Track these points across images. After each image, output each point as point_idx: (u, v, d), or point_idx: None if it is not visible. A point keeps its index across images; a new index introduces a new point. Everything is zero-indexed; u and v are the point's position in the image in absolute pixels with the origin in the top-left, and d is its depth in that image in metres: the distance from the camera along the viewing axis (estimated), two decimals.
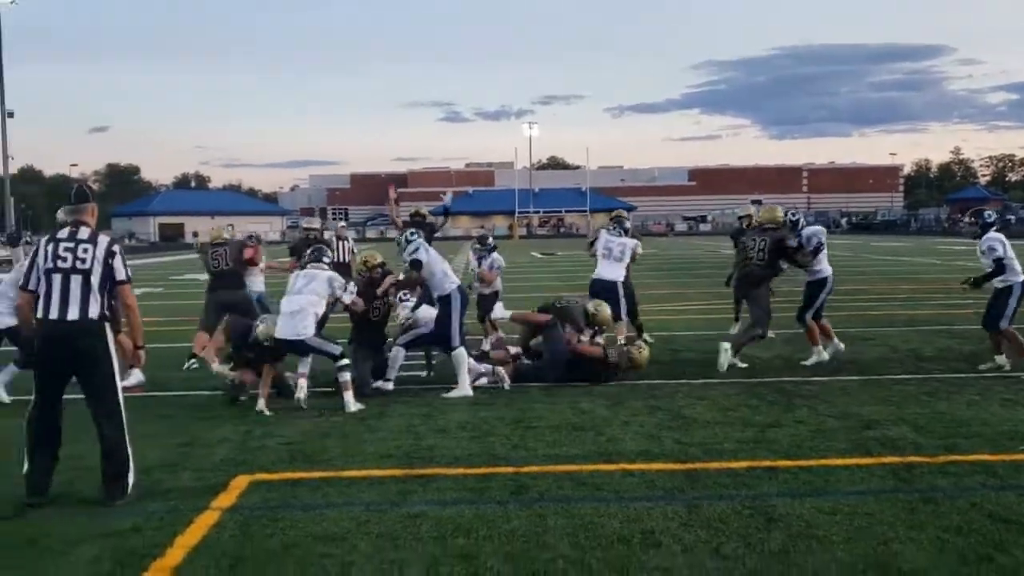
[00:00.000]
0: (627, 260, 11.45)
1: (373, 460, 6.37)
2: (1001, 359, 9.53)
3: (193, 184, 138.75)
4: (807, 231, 10.44)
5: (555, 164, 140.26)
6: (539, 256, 42.55)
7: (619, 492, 5.53)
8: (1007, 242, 9.53)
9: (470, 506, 5.29)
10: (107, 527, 5.01)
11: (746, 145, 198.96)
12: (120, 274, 5.60)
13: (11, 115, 44.86)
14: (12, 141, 45.97)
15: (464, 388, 8.61)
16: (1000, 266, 9.43)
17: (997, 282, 9.54)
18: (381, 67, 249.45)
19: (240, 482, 5.85)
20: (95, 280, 5.49)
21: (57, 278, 5.47)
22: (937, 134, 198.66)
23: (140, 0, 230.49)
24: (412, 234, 9.19)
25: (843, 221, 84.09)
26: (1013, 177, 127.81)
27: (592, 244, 12.04)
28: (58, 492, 5.66)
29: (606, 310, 10.08)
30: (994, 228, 9.70)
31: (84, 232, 5.58)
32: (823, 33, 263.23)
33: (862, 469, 5.95)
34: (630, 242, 11.59)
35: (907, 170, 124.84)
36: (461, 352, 8.72)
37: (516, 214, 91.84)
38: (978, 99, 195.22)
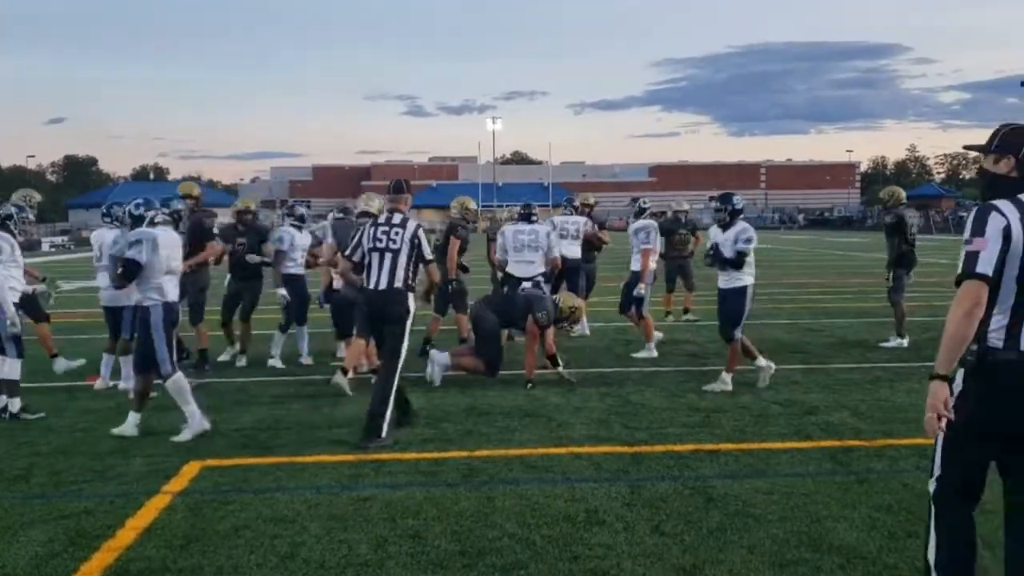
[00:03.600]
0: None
1: (326, 446, 6.45)
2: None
3: (152, 176, 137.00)
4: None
5: (518, 159, 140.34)
6: None
7: (566, 474, 5.68)
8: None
9: (421, 488, 5.41)
10: (60, 510, 5.05)
11: (705, 142, 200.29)
12: (428, 254, 6.98)
13: None
14: None
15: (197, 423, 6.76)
16: (742, 262, 8.18)
17: (731, 281, 8.27)
18: (343, 60, 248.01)
19: (192, 468, 5.90)
20: (402, 258, 6.80)
21: (375, 256, 6.82)
22: (893, 132, 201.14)
23: None
24: None
25: (800, 217, 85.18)
26: (966, 175, 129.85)
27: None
28: (14, 476, 5.71)
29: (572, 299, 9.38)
30: (742, 216, 8.44)
31: (397, 218, 6.94)
32: (781, 31, 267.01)
33: (801, 452, 6.16)
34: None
35: (864, 167, 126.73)
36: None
37: (480, 208, 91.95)
38: (932, 98, 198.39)
